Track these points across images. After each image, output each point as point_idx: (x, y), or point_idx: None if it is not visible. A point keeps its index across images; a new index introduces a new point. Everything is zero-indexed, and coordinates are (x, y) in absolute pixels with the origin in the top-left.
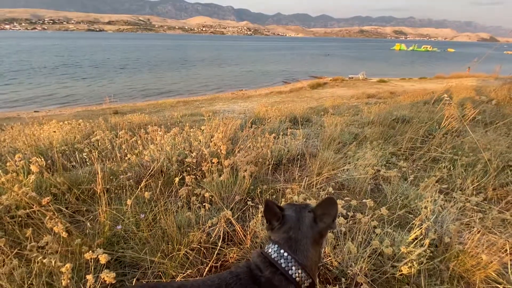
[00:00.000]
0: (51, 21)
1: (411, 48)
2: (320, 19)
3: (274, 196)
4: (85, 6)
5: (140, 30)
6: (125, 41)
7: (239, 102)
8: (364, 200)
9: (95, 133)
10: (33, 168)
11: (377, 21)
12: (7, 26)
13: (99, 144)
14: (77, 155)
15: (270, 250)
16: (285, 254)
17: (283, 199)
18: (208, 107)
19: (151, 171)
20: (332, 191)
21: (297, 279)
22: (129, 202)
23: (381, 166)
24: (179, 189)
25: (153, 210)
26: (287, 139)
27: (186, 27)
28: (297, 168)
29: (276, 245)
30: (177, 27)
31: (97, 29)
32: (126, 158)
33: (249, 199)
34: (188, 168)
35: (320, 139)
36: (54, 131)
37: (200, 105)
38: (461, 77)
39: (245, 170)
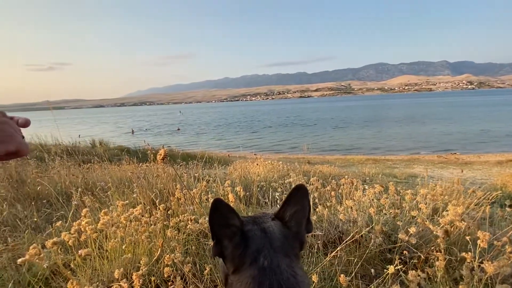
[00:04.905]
0: (278, 93)
1: None
2: None
3: None
4: (302, 80)
5: (340, 94)
6: (324, 103)
7: (450, 168)
8: None
9: (289, 175)
10: (230, 197)
11: None
12: (253, 98)
13: (291, 186)
14: (270, 193)
15: None
16: None
17: None
18: (403, 168)
19: (349, 238)
20: None
21: None
22: (315, 278)
23: None
24: (390, 283)
25: None
26: None
27: (385, 87)
28: None
29: None
30: (375, 88)
31: (306, 96)
32: (317, 209)
33: None
34: (405, 252)
35: None
36: (257, 164)
37: (393, 166)
38: None
39: None
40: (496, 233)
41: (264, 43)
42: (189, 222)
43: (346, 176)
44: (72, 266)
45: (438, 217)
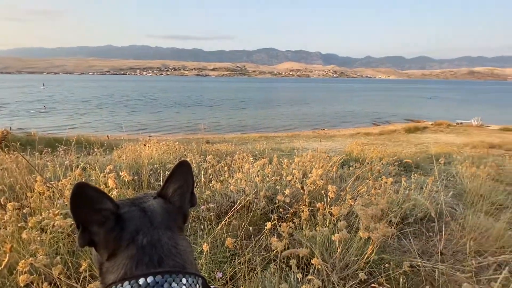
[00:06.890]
0: (173, 69)
1: None
2: (416, 61)
3: (420, 283)
4: (199, 57)
5: (236, 75)
6: (222, 84)
7: (320, 140)
8: None
9: (186, 155)
10: (110, 182)
11: (493, 62)
12: (144, 73)
13: None
14: (162, 174)
15: None
16: (151, 279)
17: None
18: (288, 143)
19: (237, 205)
20: None
21: None
22: (205, 247)
23: None
24: (269, 237)
25: (233, 261)
26: (411, 189)
27: (275, 72)
28: (435, 235)
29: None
30: (267, 71)
31: (204, 74)
32: (211, 184)
33: (371, 277)
34: (281, 210)
35: (453, 194)
36: (149, 146)
37: (280, 141)
38: None
39: (372, 229)
40: (343, 187)
41: (157, 10)
42: (56, 218)
43: (238, 152)
44: None
45: (306, 179)
